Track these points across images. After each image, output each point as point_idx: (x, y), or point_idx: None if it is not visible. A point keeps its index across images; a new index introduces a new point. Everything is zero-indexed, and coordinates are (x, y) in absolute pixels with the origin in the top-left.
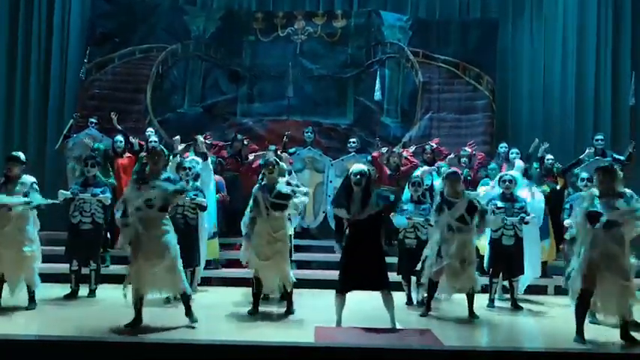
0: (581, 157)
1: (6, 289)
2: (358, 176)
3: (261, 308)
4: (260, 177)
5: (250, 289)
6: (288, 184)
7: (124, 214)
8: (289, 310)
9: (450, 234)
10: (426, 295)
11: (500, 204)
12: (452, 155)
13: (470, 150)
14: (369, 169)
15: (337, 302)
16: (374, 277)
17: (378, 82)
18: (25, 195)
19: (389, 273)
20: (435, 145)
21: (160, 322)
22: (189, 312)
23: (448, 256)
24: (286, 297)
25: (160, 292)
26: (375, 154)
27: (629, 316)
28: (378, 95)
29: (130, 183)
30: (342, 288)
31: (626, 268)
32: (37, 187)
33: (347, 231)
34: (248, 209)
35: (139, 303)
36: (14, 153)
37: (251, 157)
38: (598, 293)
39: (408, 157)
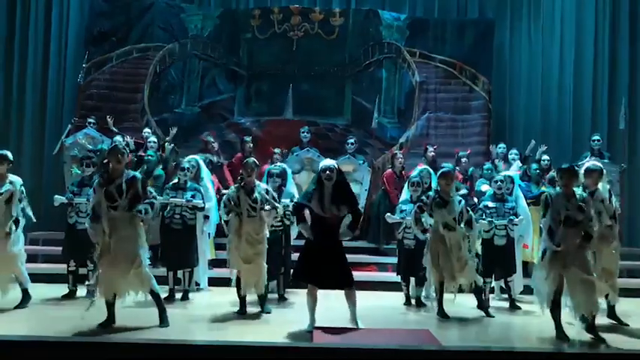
0: (580, 163)
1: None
2: (327, 172)
3: (258, 309)
4: (239, 178)
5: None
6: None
7: None
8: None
9: (446, 232)
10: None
11: (491, 204)
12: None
13: (468, 151)
14: (337, 165)
15: (310, 301)
16: (340, 275)
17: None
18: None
19: (389, 273)
20: (435, 147)
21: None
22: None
23: (448, 256)
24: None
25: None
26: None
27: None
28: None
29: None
30: (300, 277)
31: None
32: (24, 188)
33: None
34: (222, 210)
35: None
36: (1, 151)
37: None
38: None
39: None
